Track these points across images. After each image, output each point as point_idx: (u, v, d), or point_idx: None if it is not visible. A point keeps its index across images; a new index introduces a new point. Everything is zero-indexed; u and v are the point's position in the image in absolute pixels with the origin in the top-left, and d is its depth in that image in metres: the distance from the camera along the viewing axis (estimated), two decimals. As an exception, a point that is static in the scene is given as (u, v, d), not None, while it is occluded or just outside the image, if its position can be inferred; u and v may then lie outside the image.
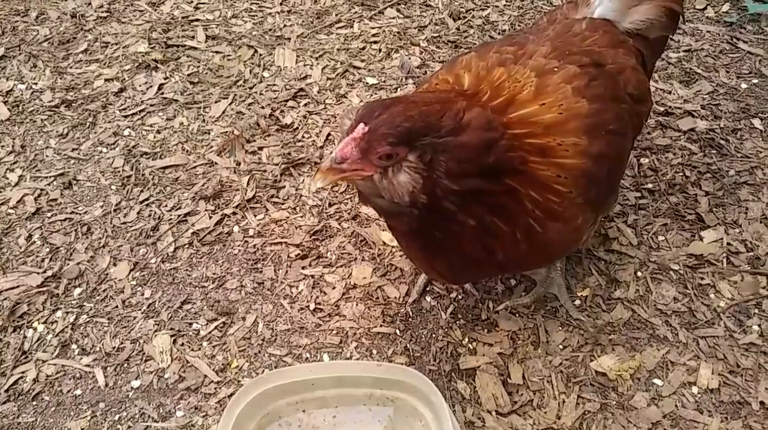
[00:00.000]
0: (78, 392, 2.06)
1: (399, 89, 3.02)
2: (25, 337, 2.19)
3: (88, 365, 2.12)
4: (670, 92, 3.00)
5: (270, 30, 3.33)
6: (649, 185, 2.60)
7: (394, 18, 3.39)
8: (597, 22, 1.94)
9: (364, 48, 3.22)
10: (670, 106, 2.92)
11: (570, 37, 1.85)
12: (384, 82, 3.06)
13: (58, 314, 2.25)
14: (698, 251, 2.36)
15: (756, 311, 2.20)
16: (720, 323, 2.17)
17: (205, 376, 2.08)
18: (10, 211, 2.57)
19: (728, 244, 2.38)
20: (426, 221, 1.52)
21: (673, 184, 2.59)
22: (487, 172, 1.47)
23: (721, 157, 2.69)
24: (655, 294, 2.25)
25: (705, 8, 3.40)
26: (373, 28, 3.33)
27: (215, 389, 2.05)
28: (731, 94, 2.96)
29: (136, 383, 2.07)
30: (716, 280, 2.29)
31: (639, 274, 2.31)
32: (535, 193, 1.57)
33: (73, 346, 2.17)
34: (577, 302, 2.25)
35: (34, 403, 2.04)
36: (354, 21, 3.37)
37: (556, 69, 1.69)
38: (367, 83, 3.06)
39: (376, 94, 3.00)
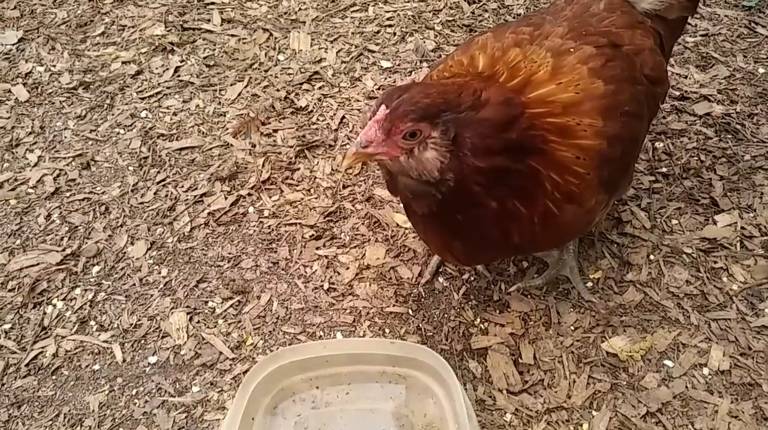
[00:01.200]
0: (96, 367, 2.11)
1: (413, 73, 3.02)
2: (44, 313, 2.24)
3: (106, 341, 2.17)
4: (686, 77, 2.97)
5: (285, 13, 3.34)
6: (664, 169, 2.59)
7: (408, 1, 3.39)
8: (615, 3, 1.92)
9: (378, 32, 3.23)
10: (686, 91, 2.90)
11: (587, 18, 1.84)
12: (398, 65, 3.06)
13: (77, 291, 2.30)
14: (712, 235, 2.36)
15: (769, 294, 2.20)
16: (732, 306, 2.17)
17: (221, 353, 2.12)
18: (30, 190, 2.62)
19: (742, 228, 2.37)
20: (449, 202, 1.54)
21: (688, 168, 2.58)
22: (511, 150, 1.49)
23: (736, 141, 2.67)
24: (667, 277, 2.26)
25: (723, -8, 3.36)
26: (387, 11, 3.33)
27: (230, 365, 2.09)
28: (748, 78, 2.93)
29: (152, 359, 2.12)
30: (729, 263, 2.28)
31: (652, 257, 2.31)
32: (555, 175, 1.58)
33: (92, 322, 2.22)
34: (589, 284, 2.26)
35: (54, 377, 2.09)
36: (369, 4, 3.37)
37: (572, 50, 1.68)
38: (382, 67, 3.06)
39: (390, 77, 3.01)
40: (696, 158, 2.62)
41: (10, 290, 2.29)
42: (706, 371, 2.03)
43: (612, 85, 1.66)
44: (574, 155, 1.59)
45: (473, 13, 3.31)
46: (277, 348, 2.12)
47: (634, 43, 1.81)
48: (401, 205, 2.40)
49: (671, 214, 2.44)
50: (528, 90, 1.62)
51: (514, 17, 3.26)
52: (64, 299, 2.27)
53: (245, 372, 2.04)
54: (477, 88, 1.47)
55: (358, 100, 2.92)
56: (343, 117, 2.85)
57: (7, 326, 2.20)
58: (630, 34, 1.82)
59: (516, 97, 1.54)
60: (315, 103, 2.91)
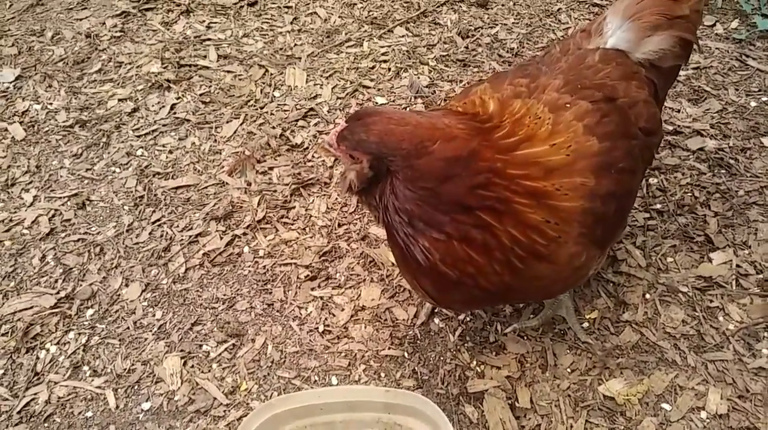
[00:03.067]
0: (89, 414, 2.09)
1: (408, 109, 3.04)
2: (38, 358, 2.23)
3: (99, 387, 2.15)
4: (678, 111, 3.00)
5: (281, 49, 3.37)
6: (658, 206, 2.60)
7: (403, 36, 3.42)
8: (610, 54, 1.91)
9: (373, 67, 3.25)
10: (679, 125, 2.92)
11: (582, 70, 1.83)
12: (393, 101, 3.09)
13: (71, 335, 2.29)
14: (707, 273, 2.36)
15: (766, 334, 2.19)
16: (729, 346, 2.17)
17: (215, 398, 2.10)
18: (25, 231, 2.62)
19: (737, 265, 2.37)
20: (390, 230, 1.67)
21: (682, 204, 2.59)
22: (454, 205, 1.53)
23: (730, 176, 2.69)
24: (663, 317, 2.25)
25: (714, 25, 3.40)
26: (382, 47, 3.36)
27: (224, 412, 2.07)
28: (740, 112, 2.95)
29: (146, 405, 2.10)
30: (725, 302, 2.28)
31: (647, 296, 2.31)
32: (516, 232, 1.56)
33: (85, 367, 2.21)
34: (585, 324, 2.25)
35: (46, 425, 2.08)
36: (363, 40, 3.40)
37: (568, 105, 1.69)
38: (377, 103, 3.08)
39: (384, 113, 3.03)
40: (690, 194, 2.63)
41: (3, 335, 2.28)
42: (704, 414, 2.02)
43: (607, 142, 1.66)
44: (544, 218, 1.57)
45: (467, 47, 3.34)
46: (272, 394, 2.11)
47: (629, 96, 1.81)
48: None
49: (666, 251, 2.44)
50: (523, 147, 1.61)
51: (507, 52, 3.30)
52: (57, 343, 2.26)
53: (239, 418, 2.02)
54: (426, 139, 1.50)
55: (353, 137, 2.93)
56: (339, 154, 2.86)
57: (-1, 373, 2.19)
58: (625, 86, 1.82)
59: (478, 156, 1.52)
60: (310, 140, 2.93)
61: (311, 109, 3.06)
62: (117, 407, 2.10)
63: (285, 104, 3.09)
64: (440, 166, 1.50)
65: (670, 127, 2.91)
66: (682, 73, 3.15)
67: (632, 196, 1.91)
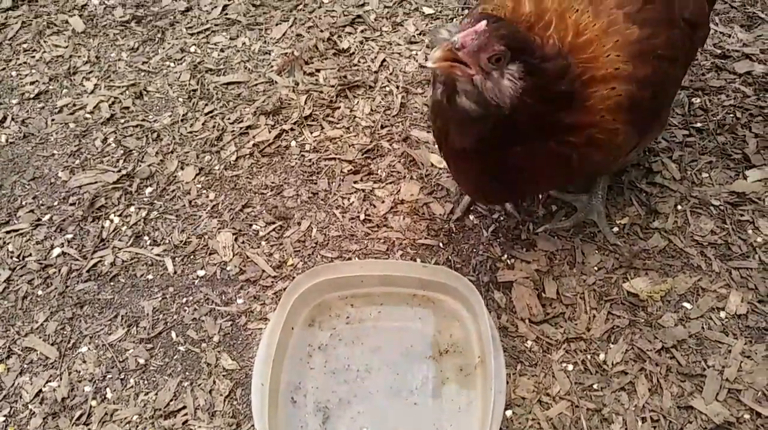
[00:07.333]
0: (150, 276, 2.29)
1: (455, 20, 3.06)
2: (102, 227, 2.42)
3: (158, 255, 2.34)
4: (729, 35, 2.96)
5: (330, -44, 3.38)
6: (698, 124, 2.62)
7: (453, -51, 3.39)
8: None
9: (422, -23, 3.26)
10: (728, 49, 2.89)
11: None
12: (440, 12, 3.11)
13: (132, 209, 2.47)
14: (741, 189, 2.41)
15: (793, 248, 2.26)
16: (755, 256, 2.24)
17: (263, 271, 2.28)
18: (87, 115, 2.78)
19: (772, 184, 2.41)
20: (495, 134, 1.64)
21: (723, 124, 2.61)
22: (558, 100, 1.62)
23: (775, 101, 2.68)
24: (693, 226, 2.33)
25: (776, -50, 3.29)
26: (432, -42, 3.35)
27: (272, 282, 2.25)
28: (794, 39, 2.90)
29: (201, 273, 2.29)
30: (756, 217, 2.34)
31: (679, 207, 2.38)
32: (593, 119, 1.69)
33: (145, 237, 2.40)
34: (615, 229, 2.34)
35: (112, 283, 2.28)
36: (413, -50, 3.39)
37: None
38: (424, 13, 3.11)
39: (432, 23, 3.06)
40: (732, 115, 2.65)
41: (71, 205, 2.47)
42: (723, 314, 2.12)
43: (647, 29, 1.71)
44: (615, 92, 1.68)
45: (518, -38, 3.31)
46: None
47: None
48: (435, 145, 2.50)
49: (702, 167, 2.48)
50: (574, 38, 1.70)
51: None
52: (120, 215, 2.45)
53: (285, 289, 2.19)
54: (540, 41, 1.61)
55: (399, 45, 2.99)
56: (384, 60, 2.93)
57: (69, 236, 2.39)
58: (670, -25, 1.85)
59: (564, 50, 1.66)
60: (357, 46, 2.99)
61: (358, 16, 3.11)
62: (175, 272, 2.29)
63: (333, 10, 3.14)
64: (558, 65, 1.61)
65: (718, 51, 2.89)
66: (737, -2, 3.10)
67: (669, 87, 1.95)
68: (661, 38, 1.76)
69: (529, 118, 1.61)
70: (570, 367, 2.02)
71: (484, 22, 1.48)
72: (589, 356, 2.04)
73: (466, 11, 3.08)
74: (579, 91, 1.67)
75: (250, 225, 2.41)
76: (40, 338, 2.15)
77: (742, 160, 2.50)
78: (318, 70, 2.90)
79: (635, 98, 1.74)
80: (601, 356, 2.04)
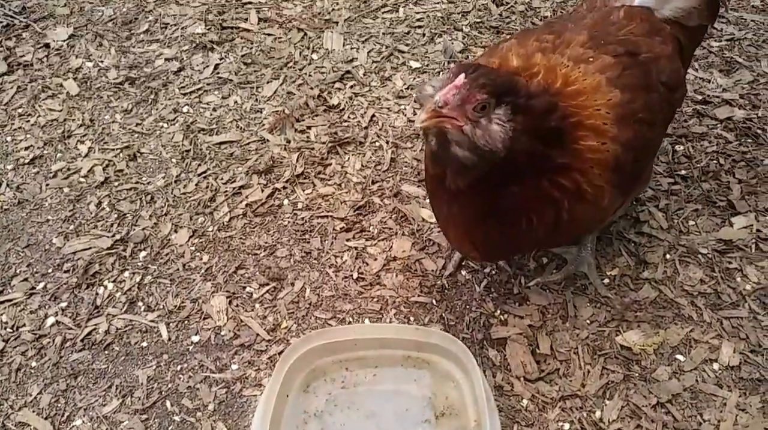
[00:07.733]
0: (144, 344, 2.29)
1: (441, 73, 3.14)
2: (97, 293, 2.43)
3: (153, 321, 2.35)
4: (709, 81, 3.04)
5: (319, 13, 3.48)
6: (683, 172, 2.67)
7: (438, 3, 3.50)
8: (635, 10, 2.01)
9: (408, 32, 3.35)
10: (708, 95, 2.96)
11: (607, 26, 1.93)
12: (427, 66, 3.19)
13: (126, 274, 2.48)
14: (728, 237, 2.44)
15: (782, 295, 2.28)
16: (744, 305, 2.26)
17: (257, 334, 2.28)
18: (81, 179, 2.81)
19: (758, 230, 2.45)
20: (491, 176, 1.66)
21: (707, 171, 2.66)
22: (550, 136, 1.65)
23: (756, 146, 2.74)
24: (682, 276, 2.35)
25: (751, -4, 3.40)
26: (417, 12, 3.45)
27: (266, 346, 2.25)
28: (772, 83, 2.98)
29: (195, 338, 2.29)
30: (744, 264, 2.37)
31: (668, 256, 2.41)
32: (583, 166, 1.73)
33: (140, 303, 2.40)
34: (606, 280, 2.37)
35: (106, 352, 2.28)
36: (399, 5, 3.49)
37: (591, 59, 1.79)
38: (411, 67, 3.19)
39: (419, 77, 3.13)
40: (715, 161, 2.70)
41: (65, 271, 2.49)
42: (716, 366, 2.13)
43: (627, 94, 1.76)
44: (605, 147, 1.74)
45: (501, 14, 3.41)
46: (310, 332, 2.27)
47: (652, 51, 1.90)
48: (427, 200, 2.53)
49: (688, 215, 2.52)
50: (563, 87, 1.75)
51: (541, 20, 3.36)
52: (114, 281, 2.46)
53: (280, 353, 2.20)
54: (524, 81, 1.65)
55: (387, 100, 3.05)
56: (373, 115, 2.99)
57: (63, 305, 2.40)
58: (648, 43, 1.91)
59: (551, 90, 1.71)
60: (346, 102, 3.05)
61: (348, 71, 3.18)
62: (169, 339, 2.29)
63: (323, 67, 3.21)
64: (545, 101, 1.63)
65: (699, 97, 2.96)
66: (714, 44, 3.19)
67: (650, 150, 2.00)
68: (639, 103, 1.82)
69: (522, 156, 1.62)
70: (566, 426, 2.02)
71: (462, 75, 1.51)
72: (585, 414, 2.04)
73: (452, 65, 3.16)
74: (568, 131, 1.70)
75: (244, 287, 2.42)
76: (33, 412, 2.14)
77: (728, 207, 2.54)
78: (309, 127, 2.95)
79: (620, 160, 1.79)
80: (597, 414, 2.04)
